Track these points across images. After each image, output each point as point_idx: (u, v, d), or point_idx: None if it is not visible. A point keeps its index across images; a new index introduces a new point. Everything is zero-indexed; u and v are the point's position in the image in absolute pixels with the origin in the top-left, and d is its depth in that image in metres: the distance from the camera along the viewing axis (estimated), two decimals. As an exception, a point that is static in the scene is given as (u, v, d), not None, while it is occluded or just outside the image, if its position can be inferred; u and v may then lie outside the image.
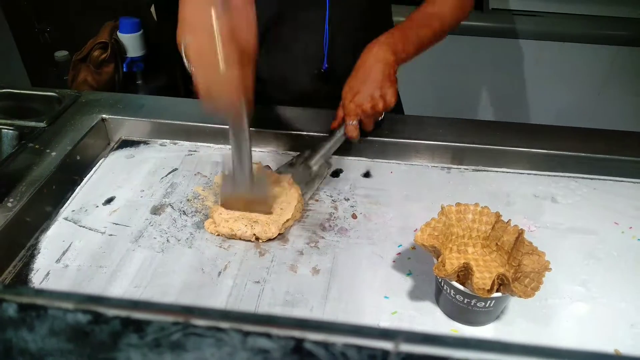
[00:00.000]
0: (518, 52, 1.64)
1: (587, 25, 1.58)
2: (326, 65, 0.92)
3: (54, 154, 0.80)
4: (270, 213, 0.72)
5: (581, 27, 1.58)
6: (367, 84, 0.77)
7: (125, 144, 0.90)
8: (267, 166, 0.82)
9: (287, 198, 0.74)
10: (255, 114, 0.91)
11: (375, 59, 0.77)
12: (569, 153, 0.83)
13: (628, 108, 1.71)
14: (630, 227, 0.73)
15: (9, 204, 0.70)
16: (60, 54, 1.92)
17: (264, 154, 0.89)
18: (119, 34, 1.89)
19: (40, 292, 0.18)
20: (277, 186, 0.76)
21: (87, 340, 0.17)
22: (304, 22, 0.90)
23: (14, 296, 0.17)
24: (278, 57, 0.95)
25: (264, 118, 0.91)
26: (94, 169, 0.84)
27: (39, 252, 0.68)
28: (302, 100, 0.94)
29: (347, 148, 0.87)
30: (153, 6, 1.97)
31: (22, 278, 0.65)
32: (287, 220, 0.71)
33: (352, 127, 0.79)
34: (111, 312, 0.17)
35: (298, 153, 0.84)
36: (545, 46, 1.62)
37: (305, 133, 0.88)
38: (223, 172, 0.73)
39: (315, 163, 0.80)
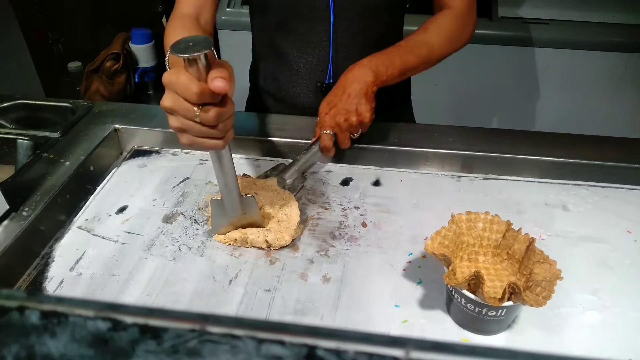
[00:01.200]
0: (528, 59, 1.64)
1: (598, 33, 1.57)
2: (331, 80, 0.93)
3: (67, 163, 0.81)
4: (263, 226, 0.72)
5: (591, 35, 1.57)
6: (343, 100, 0.79)
7: (138, 153, 0.92)
8: (245, 174, 0.81)
9: (285, 202, 0.74)
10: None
11: (353, 77, 0.80)
12: (580, 161, 0.82)
13: (640, 115, 1.70)
14: (643, 236, 0.73)
15: (24, 213, 0.71)
16: (74, 64, 1.95)
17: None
18: (131, 44, 1.92)
19: (62, 300, 0.18)
20: (266, 191, 0.76)
21: (107, 347, 0.17)
22: (307, 37, 0.90)
23: (36, 304, 0.18)
24: (280, 71, 0.96)
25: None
26: (107, 178, 0.85)
27: (53, 261, 0.69)
28: (303, 113, 0.94)
29: (356, 156, 0.87)
30: (165, 17, 1.99)
31: (36, 286, 0.66)
32: (298, 224, 0.72)
33: (325, 136, 0.81)
34: (130, 319, 0.18)
35: (276, 163, 0.86)
36: (555, 54, 1.61)
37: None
38: (211, 197, 0.71)
39: (290, 176, 0.81)
